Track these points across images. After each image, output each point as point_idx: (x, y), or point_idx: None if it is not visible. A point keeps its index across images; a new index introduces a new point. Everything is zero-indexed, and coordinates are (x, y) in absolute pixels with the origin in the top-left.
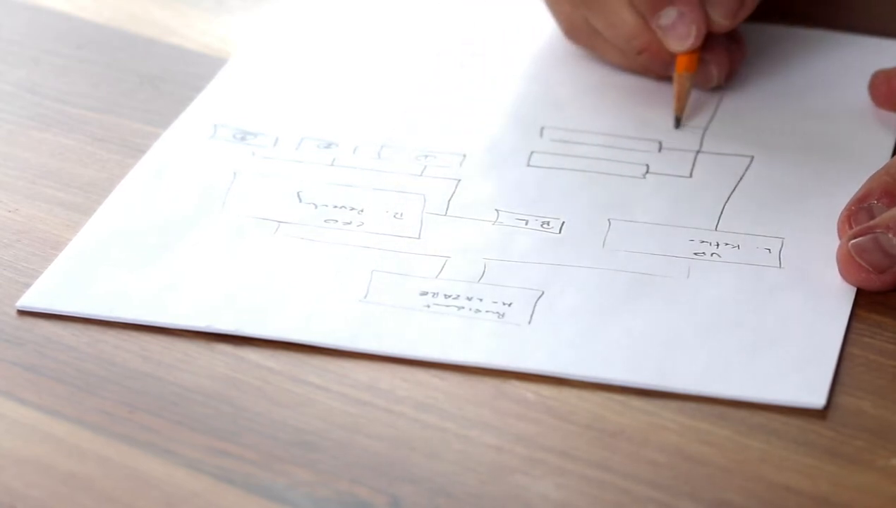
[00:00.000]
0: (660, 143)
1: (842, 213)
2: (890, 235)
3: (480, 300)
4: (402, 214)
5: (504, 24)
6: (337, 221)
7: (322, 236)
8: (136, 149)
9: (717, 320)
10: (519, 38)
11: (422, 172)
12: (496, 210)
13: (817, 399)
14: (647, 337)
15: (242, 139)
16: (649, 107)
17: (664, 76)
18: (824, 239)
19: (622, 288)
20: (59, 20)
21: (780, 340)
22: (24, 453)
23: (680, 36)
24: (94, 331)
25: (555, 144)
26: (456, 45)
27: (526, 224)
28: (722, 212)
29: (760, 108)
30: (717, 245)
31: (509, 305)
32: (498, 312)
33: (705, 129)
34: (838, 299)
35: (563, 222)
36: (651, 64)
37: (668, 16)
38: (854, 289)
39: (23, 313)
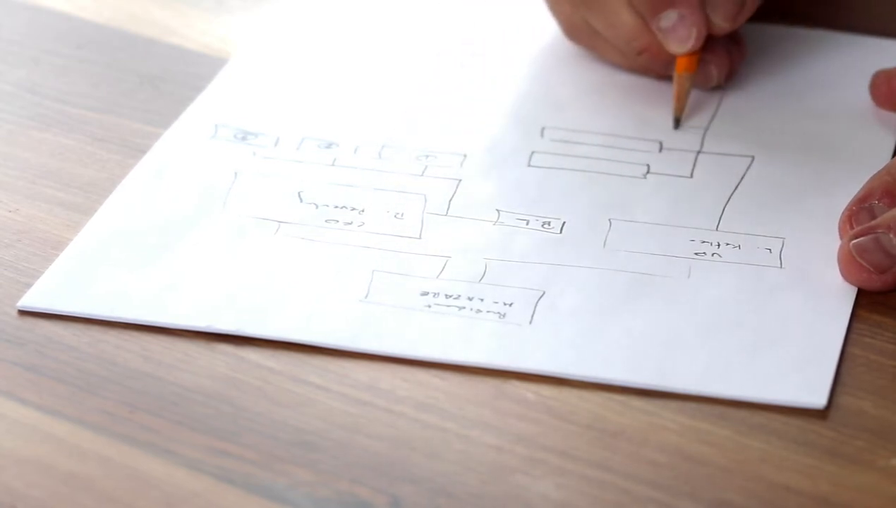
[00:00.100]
0: (660, 144)
1: (843, 213)
2: (891, 235)
3: (481, 300)
4: (402, 214)
5: (504, 24)
6: (338, 221)
7: (323, 236)
8: (136, 149)
9: (717, 320)
10: (519, 38)
11: (422, 172)
12: (497, 210)
13: (818, 399)
14: (648, 337)
15: (243, 139)
16: (649, 107)
17: (664, 76)
18: (825, 239)
19: (623, 288)
20: (59, 20)
21: (781, 340)
22: (24, 453)
23: (680, 38)
24: (95, 331)
25: (555, 144)
26: (456, 45)
27: (527, 224)
28: (722, 213)
29: (761, 109)
30: (718, 245)
31: (510, 305)
32: (499, 312)
33: (706, 129)
34: (839, 299)
35: (564, 222)
36: (651, 64)
37: (669, 18)
38: (855, 289)
39: (23, 313)
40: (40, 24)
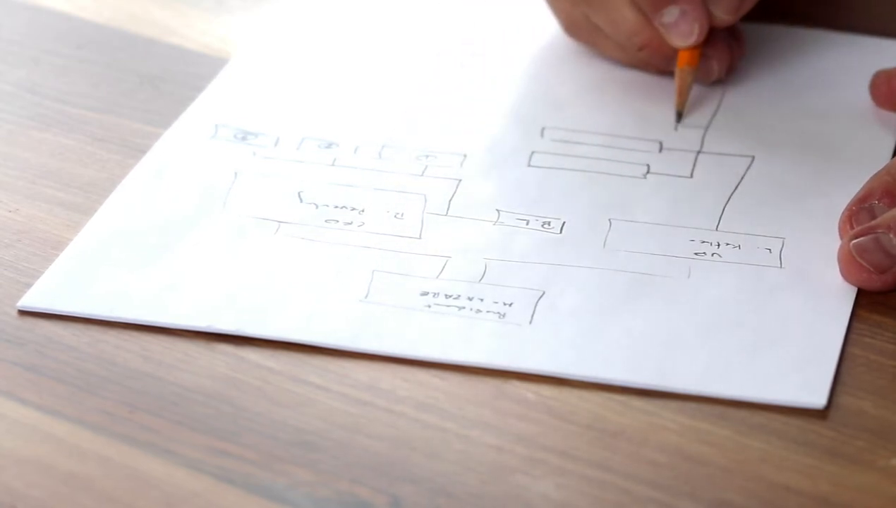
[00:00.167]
0: (660, 143)
1: (843, 213)
2: (891, 235)
3: (481, 300)
4: (402, 214)
5: (504, 24)
6: (338, 221)
7: (323, 236)
8: (136, 149)
9: (717, 320)
10: (519, 38)
11: (423, 172)
12: (497, 210)
13: (818, 399)
14: (648, 337)
15: (243, 139)
16: (650, 103)
17: (664, 71)
18: (825, 239)
19: (623, 288)
20: (59, 20)
21: (781, 340)
22: (24, 453)
23: (683, 33)
24: (95, 331)
25: (555, 144)
26: (456, 45)
27: (527, 224)
28: (722, 213)
29: (761, 108)
30: (718, 245)
31: (510, 305)
32: (499, 312)
33: (706, 129)
34: (839, 299)
35: (564, 222)
36: (652, 59)
37: (671, 14)
38: (855, 289)
39: (23, 313)
40: (40, 24)
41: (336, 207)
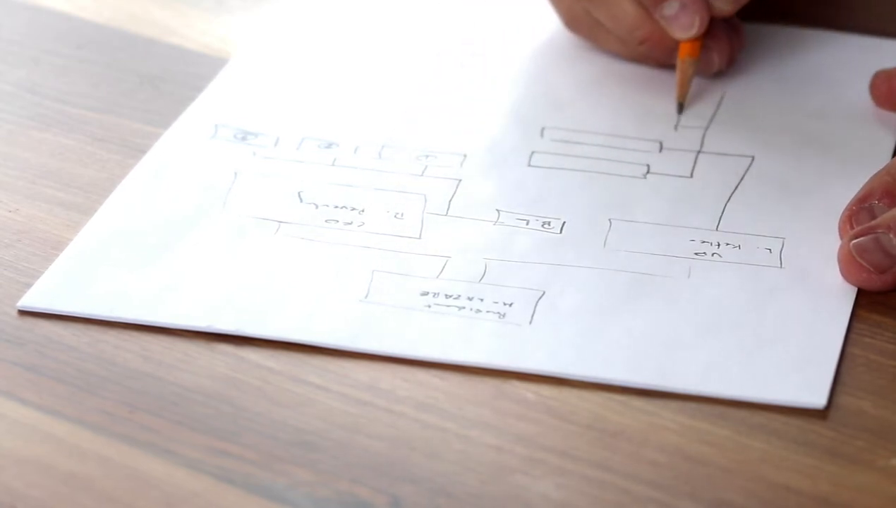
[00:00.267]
0: (660, 143)
1: (843, 213)
2: (891, 235)
3: (481, 300)
4: (402, 214)
5: (504, 24)
6: (338, 221)
7: (323, 236)
8: (136, 149)
9: (717, 320)
10: (519, 38)
11: (422, 172)
12: (497, 210)
13: (818, 399)
14: (648, 337)
15: (243, 139)
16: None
17: (665, 65)
18: (825, 239)
19: (623, 288)
20: (59, 20)
21: (781, 340)
22: (24, 453)
23: (684, 25)
24: (95, 331)
25: (555, 144)
26: (456, 45)
27: (527, 224)
28: (723, 212)
29: (761, 108)
30: (718, 245)
31: (510, 305)
32: (499, 312)
33: (706, 129)
34: (839, 299)
35: (564, 222)
36: (652, 53)
37: (671, 6)
38: (855, 289)
39: (23, 313)
40: (40, 24)
41: (336, 207)
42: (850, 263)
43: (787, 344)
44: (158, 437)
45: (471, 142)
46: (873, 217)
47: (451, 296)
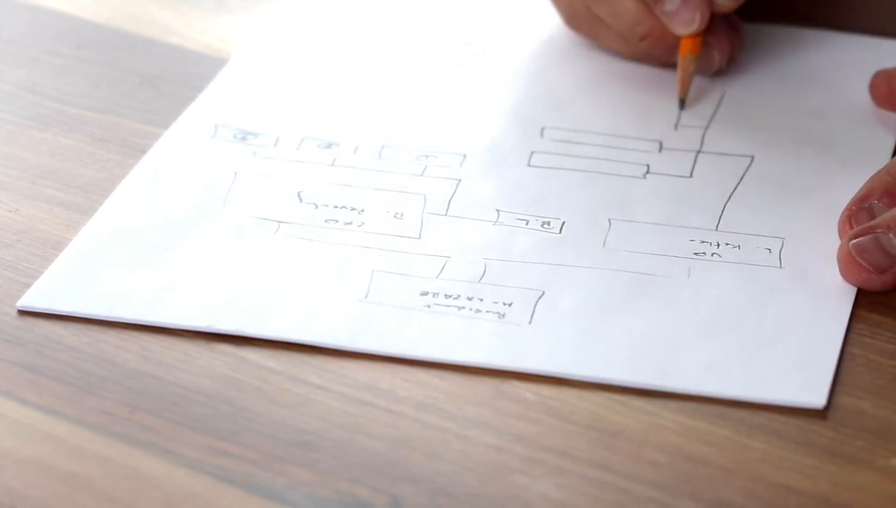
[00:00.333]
0: (660, 143)
1: (842, 213)
2: (891, 235)
3: (481, 300)
4: (402, 214)
5: (504, 24)
6: (337, 221)
7: (322, 236)
8: (136, 149)
9: (717, 320)
10: (519, 38)
11: (422, 172)
12: (497, 210)
13: (817, 399)
14: (648, 337)
15: (243, 139)
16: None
17: (666, 62)
18: (825, 239)
19: (623, 288)
20: (59, 20)
21: (781, 340)
22: (24, 453)
23: (685, 21)
24: (95, 331)
25: (555, 144)
26: (456, 45)
27: (526, 224)
28: (722, 212)
29: (761, 108)
30: (718, 245)
31: (510, 305)
32: (498, 312)
33: (706, 129)
34: (839, 299)
35: (564, 222)
36: (653, 50)
37: (673, 2)
38: (854, 289)
39: (23, 313)
40: (40, 24)
41: (336, 207)
42: (849, 263)
43: (787, 344)
44: (158, 437)
45: (471, 142)
46: (873, 217)
47: (450, 296)
